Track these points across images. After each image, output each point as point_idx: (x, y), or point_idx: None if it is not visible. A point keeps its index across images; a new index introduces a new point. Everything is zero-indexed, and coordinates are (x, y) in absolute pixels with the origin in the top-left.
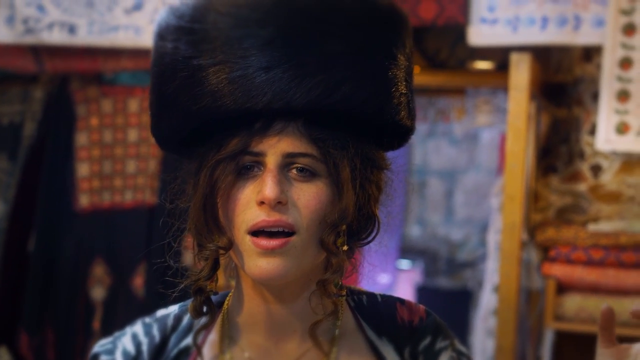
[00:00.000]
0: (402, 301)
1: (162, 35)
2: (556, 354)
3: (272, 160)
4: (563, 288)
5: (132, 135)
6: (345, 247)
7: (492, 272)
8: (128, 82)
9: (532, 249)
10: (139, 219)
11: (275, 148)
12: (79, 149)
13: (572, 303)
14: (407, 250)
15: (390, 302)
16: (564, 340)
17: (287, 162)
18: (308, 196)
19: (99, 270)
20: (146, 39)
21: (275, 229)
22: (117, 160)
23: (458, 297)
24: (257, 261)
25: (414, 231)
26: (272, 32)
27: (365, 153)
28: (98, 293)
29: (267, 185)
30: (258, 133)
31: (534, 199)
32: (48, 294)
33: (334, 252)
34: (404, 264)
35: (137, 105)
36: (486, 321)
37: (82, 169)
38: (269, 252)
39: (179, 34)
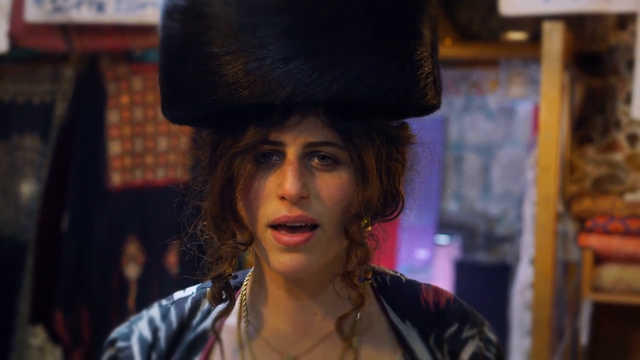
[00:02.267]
0: (427, 285)
1: (169, 13)
2: (594, 325)
3: (292, 150)
4: (600, 259)
5: None
6: (369, 228)
7: (528, 245)
8: (157, 59)
9: (569, 220)
10: (172, 197)
11: (295, 138)
12: (110, 127)
13: (610, 274)
14: (444, 226)
15: (415, 284)
16: (602, 311)
17: (308, 151)
18: (331, 187)
19: (133, 248)
20: None
21: (298, 224)
22: (148, 138)
23: (497, 271)
24: (280, 257)
25: (452, 206)
26: (290, 20)
27: (390, 134)
28: (132, 271)
29: (287, 180)
30: (277, 122)
31: (569, 170)
32: (82, 273)
33: (360, 242)
34: (442, 239)
35: None
36: (523, 294)
37: (114, 147)
38: (292, 247)
39: (188, 15)
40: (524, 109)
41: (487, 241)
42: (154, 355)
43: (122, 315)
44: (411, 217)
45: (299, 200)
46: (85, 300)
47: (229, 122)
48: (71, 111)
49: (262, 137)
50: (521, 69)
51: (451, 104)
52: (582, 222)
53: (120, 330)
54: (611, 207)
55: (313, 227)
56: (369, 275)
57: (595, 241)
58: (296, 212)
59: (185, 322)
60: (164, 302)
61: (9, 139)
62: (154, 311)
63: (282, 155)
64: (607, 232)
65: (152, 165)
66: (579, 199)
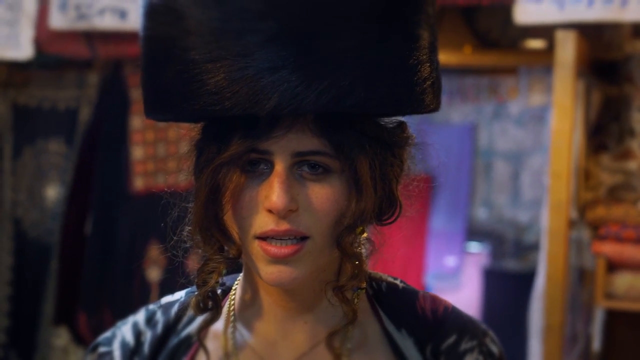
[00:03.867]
0: (425, 292)
1: (150, 13)
2: (608, 331)
3: (280, 160)
4: (613, 266)
5: None
6: (365, 234)
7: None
8: None
9: (583, 227)
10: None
11: (283, 147)
12: (134, 132)
13: (623, 281)
14: (473, 233)
15: (412, 291)
16: (614, 318)
17: (297, 160)
18: (322, 198)
19: (155, 252)
20: None
21: (286, 238)
22: (170, 143)
23: (526, 279)
24: (268, 268)
25: (481, 213)
26: (276, 27)
27: (384, 139)
28: (154, 274)
29: (275, 193)
30: (263, 132)
31: (584, 177)
32: (105, 275)
33: (352, 255)
34: (471, 246)
35: None
36: (541, 300)
37: (137, 152)
38: (280, 259)
39: (168, 17)
40: None
41: (516, 249)
42: None
43: None
44: (440, 224)
45: (287, 213)
46: (108, 302)
47: (214, 126)
48: (96, 116)
49: (247, 147)
50: (541, 76)
51: (481, 111)
52: (596, 230)
53: (104, 335)
54: (624, 215)
55: (303, 238)
56: (363, 285)
57: (608, 248)
58: (284, 226)
59: (170, 327)
60: (150, 306)
61: (34, 144)
62: (140, 315)
63: (270, 164)
64: (620, 239)
65: (174, 170)
66: (593, 206)
